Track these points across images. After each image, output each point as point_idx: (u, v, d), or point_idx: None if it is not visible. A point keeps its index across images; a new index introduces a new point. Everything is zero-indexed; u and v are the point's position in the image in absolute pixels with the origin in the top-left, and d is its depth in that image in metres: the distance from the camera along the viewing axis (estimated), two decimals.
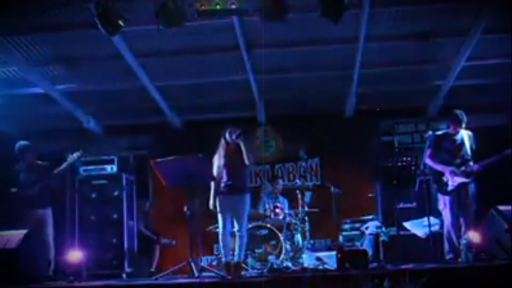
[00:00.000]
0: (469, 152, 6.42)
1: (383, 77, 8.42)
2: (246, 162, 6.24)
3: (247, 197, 6.35)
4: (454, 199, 6.30)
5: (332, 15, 6.04)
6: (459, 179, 6.27)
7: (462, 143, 6.43)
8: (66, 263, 6.65)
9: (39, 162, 6.97)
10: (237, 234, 6.26)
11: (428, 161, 6.45)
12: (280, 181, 8.61)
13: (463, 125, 6.44)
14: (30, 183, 6.71)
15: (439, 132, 6.66)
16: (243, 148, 6.23)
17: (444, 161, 6.40)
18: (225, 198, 6.28)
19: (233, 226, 6.32)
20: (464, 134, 6.47)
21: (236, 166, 6.29)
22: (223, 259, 6.35)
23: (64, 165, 6.82)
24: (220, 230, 6.31)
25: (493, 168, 6.28)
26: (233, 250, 6.40)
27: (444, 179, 6.35)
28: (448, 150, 6.43)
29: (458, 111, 6.48)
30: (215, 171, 6.34)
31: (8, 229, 6.00)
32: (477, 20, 6.87)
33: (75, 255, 6.67)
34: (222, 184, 6.33)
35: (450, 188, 6.31)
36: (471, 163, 6.36)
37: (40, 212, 6.71)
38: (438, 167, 6.39)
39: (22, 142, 6.94)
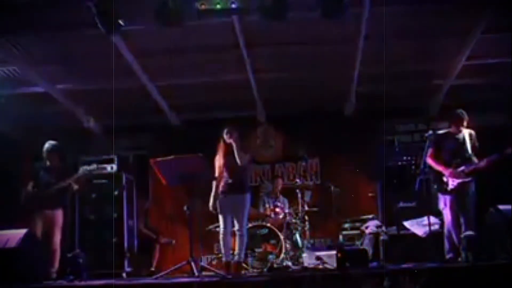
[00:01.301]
0: (470, 151, 6.39)
1: (383, 76, 8.41)
2: (238, 162, 6.25)
3: (248, 197, 6.35)
4: (454, 198, 6.29)
5: (332, 14, 6.04)
6: (459, 180, 6.27)
7: (464, 142, 6.41)
8: (66, 262, 6.65)
9: (62, 164, 6.98)
10: (237, 233, 6.26)
11: (429, 161, 6.43)
12: (280, 181, 8.59)
13: (465, 124, 6.42)
14: (49, 183, 6.72)
15: (441, 132, 6.63)
16: (234, 148, 6.25)
17: (445, 160, 6.38)
18: (226, 198, 6.28)
19: (233, 226, 6.32)
20: (466, 133, 6.45)
21: (235, 166, 6.30)
22: (223, 259, 6.35)
23: (76, 176, 6.78)
24: (220, 229, 6.31)
25: (493, 167, 6.27)
26: (233, 249, 6.40)
27: (445, 178, 6.35)
28: (450, 149, 6.40)
29: (459, 110, 6.47)
30: (216, 171, 6.35)
31: (18, 227, 5.99)
32: (477, 19, 6.87)
33: (75, 254, 6.67)
34: (222, 184, 6.34)
35: (450, 187, 6.31)
36: (475, 160, 6.33)
37: (52, 213, 6.72)
38: (439, 168, 6.38)
39: (51, 142, 6.93)
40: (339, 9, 5.96)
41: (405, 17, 6.92)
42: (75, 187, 6.78)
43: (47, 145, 6.91)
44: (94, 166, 6.85)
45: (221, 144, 6.43)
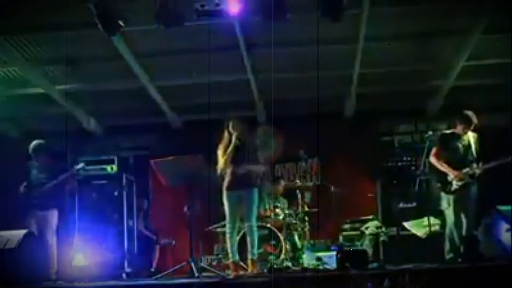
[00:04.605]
0: (474, 153, 6.38)
1: (383, 77, 8.42)
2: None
3: (255, 191, 6.09)
4: (457, 198, 6.27)
5: (332, 15, 6.04)
6: (463, 181, 6.27)
7: (469, 144, 6.39)
8: (66, 263, 6.65)
9: (52, 162, 6.96)
10: (247, 230, 6.05)
11: (433, 160, 6.41)
12: (282, 182, 8.51)
13: (473, 127, 6.38)
14: (40, 183, 6.70)
15: (447, 131, 6.60)
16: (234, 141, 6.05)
17: (449, 160, 6.35)
18: (232, 193, 6.06)
19: (241, 223, 6.14)
20: (471, 136, 6.42)
21: (240, 160, 6.08)
22: (232, 258, 6.10)
23: (64, 175, 6.75)
24: (227, 226, 6.09)
25: (496, 169, 6.25)
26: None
27: (448, 178, 6.33)
28: (455, 150, 6.38)
29: (469, 112, 6.37)
30: (220, 164, 6.10)
31: (13, 228, 5.98)
32: (477, 20, 6.87)
33: (75, 255, 6.67)
34: (228, 179, 6.09)
35: (454, 187, 6.29)
36: (478, 164, 6.32)
37: (45, 213, 6.70)
38: (442, 168, 6.36)
39: (36, 141, 6.88)
40: (338, 10, 5.96)
41: (405, 17, 6.92)
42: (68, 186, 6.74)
43: (32, 144, 6.85)
44: (81, 165, 6.83)
45: (225, 137, 6.20)
